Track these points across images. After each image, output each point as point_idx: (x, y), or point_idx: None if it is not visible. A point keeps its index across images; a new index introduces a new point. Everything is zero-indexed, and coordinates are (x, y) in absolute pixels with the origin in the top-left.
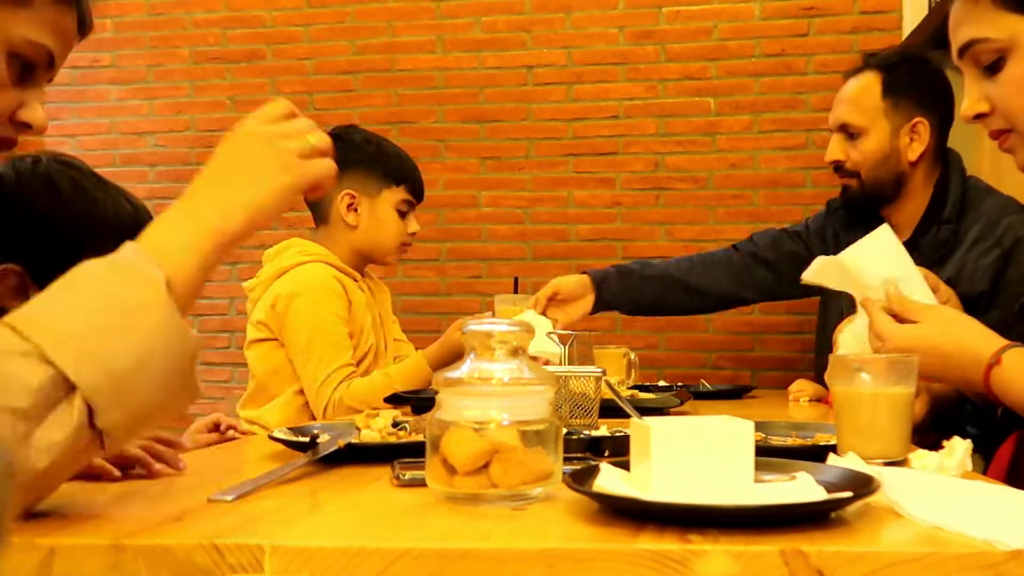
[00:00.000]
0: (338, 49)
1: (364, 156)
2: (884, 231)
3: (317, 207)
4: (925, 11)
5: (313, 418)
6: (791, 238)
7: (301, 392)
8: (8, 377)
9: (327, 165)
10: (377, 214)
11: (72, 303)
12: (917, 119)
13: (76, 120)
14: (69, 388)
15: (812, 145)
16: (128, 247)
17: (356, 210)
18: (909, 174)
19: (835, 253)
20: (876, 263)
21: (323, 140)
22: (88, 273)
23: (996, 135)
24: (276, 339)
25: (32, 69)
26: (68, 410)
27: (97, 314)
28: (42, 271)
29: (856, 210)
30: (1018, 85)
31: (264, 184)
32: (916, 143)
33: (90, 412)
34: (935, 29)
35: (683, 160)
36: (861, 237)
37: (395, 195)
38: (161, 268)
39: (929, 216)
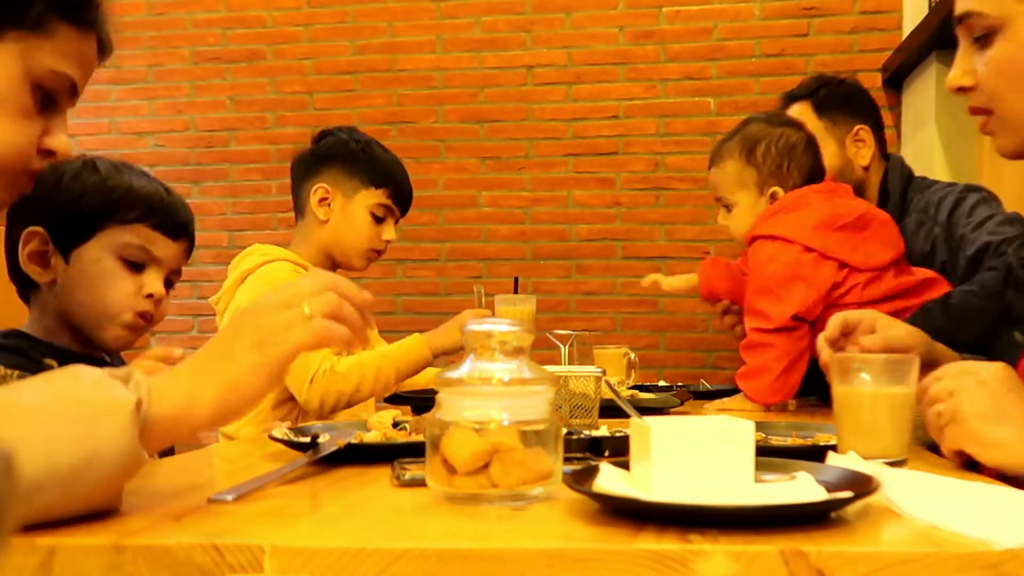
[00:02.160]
0: (338, 49)
1: (347, 153)
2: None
3: (297, 200)
4: (925, 11)
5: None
6: None
7: (279, 405)
8: None
9: (317, 329)
10: (349, 213)
11: (22, 393)
12: (857, 126)
13: (76, 120)
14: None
15: None
16: (121, 373)
17: (329, 205)
18: (866, 180)
19: None
20: None
21: (322, 306)
22: (56, 377)
23: (974, 111)
24: None
25: (55, 97)
26: None
27: (51, 406)
28: (65, 238)
29: None
30: (1000, 66)
31: (233, 362)
32: (864, 149)
33: None
34: (935, 29)
35: (683, 160)
36: None
37: (372, 198)
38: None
39: None
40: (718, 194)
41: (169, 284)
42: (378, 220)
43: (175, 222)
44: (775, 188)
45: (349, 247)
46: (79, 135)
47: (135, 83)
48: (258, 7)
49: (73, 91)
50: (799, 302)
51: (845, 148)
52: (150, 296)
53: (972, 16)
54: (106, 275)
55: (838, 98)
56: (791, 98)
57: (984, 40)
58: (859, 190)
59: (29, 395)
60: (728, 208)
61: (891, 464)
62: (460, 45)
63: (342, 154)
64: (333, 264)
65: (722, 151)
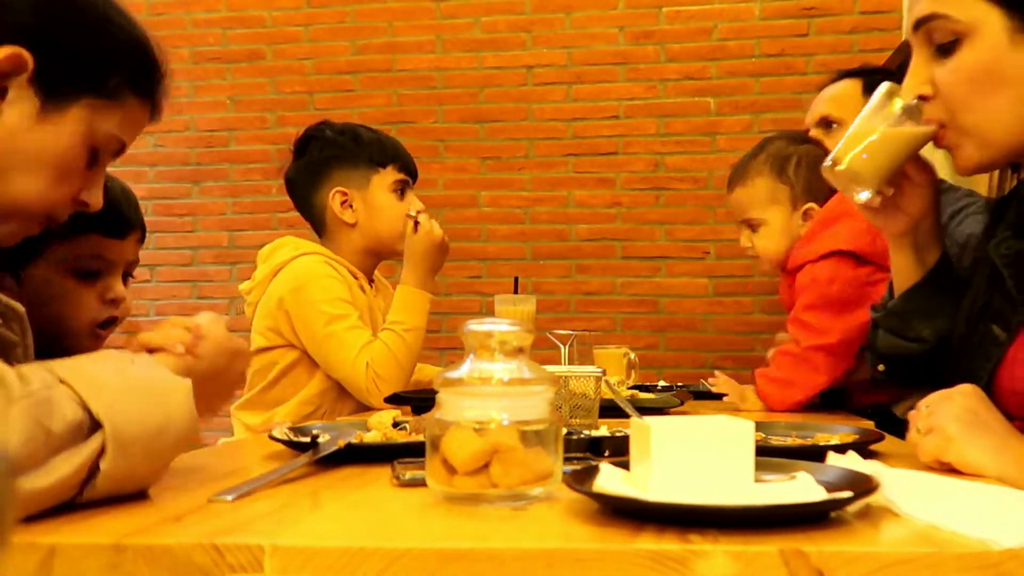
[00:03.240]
0: (338, 49)
1: (342, 150)
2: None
3: (313, 216)
4: None
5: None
6: None
7: (308, 401)
8: (50, 403)
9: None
10: (372, 203)
11: (106, 368)
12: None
13: None
14: (93, 430)
15: None
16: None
17: (351, 206)
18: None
19: None
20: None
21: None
22: (117, 355)
23: (938, 124)
24: (285, 345)
25: (101, 155)
26: (83, 448)
27: (131, 379)
28: (10, 261)
29: None
30: (967, 74)
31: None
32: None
33: (100, 455)
34: None
35: (683, 160)
36: None
37: (385, 178)
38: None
39: None
40: (746, 215)
41: (127, 276)
42: (400, 195)
43: (120, 221)
44: (810, 205)
45: (388, 235)
46: None
47: None
48: (258, 7)
49: (120, 152)
50: (859, 326)
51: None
52: (112, 301)
53: (937, 19)
54: (62, 295)
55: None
56: (843, 74)
57: (948, 47)
58: None
59: (98, 371)
60: (754, 228)
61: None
62: (460, 45)
63: (337, 153)
64: (377, 260)
65: (748, 170)
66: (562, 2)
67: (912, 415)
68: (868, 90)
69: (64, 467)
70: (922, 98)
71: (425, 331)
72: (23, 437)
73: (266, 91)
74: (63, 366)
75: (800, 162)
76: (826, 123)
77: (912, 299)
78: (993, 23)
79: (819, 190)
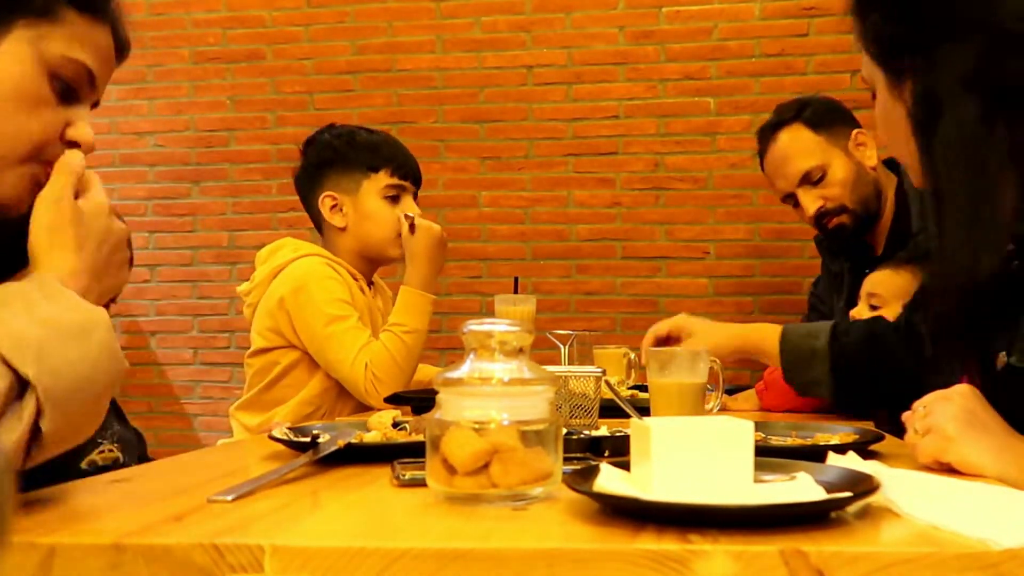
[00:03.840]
0: (338, 49)
1: (335, 154)
2: None
3: (312, 219)
4: None
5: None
6: (814, 311)
7: (308, 402)
8: None
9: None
10: (362, 208)
11: (19, 314)
12: (854, 130)
13: None
14: (23, 390)
15: None
16: (36, 279)
17: (341, 210)
18: (881, 181)
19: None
20: None
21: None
22: (24, 291)
23: None
24: (286, 346)
25: (75, 88)
26: (19, 412)
27: (49, 327)
28: None
29: (846, 242)
30: (879, 119)
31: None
32: (867, 149)
33: (36, 416)
34: None
35: (683, 160)
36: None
37: (376, 183)
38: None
39: (896, 226)
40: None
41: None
42: (394, 201)
43: None
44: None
45: (377, 241)
46: None
47: (135, 83)
48: (258, 7)
49: (92, 82)
50: None
51: (852, 155)
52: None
53: (863, 75)
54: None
55: (826, 110)
56: (776, 126)
57: (873, 96)
58: (877, 191)
59: (12, 319)
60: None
61: None
62: (460, 45)
63: (331, 157)
64: (372, 265)
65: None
66: (562, 2)
67: (908, 417)
68: (814, 127)
69: (10, 438)
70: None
71: (426, 333)
72: None
73: (266, 91)
74: None
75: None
76: (808, 179)
77: None
78: (881, 80)
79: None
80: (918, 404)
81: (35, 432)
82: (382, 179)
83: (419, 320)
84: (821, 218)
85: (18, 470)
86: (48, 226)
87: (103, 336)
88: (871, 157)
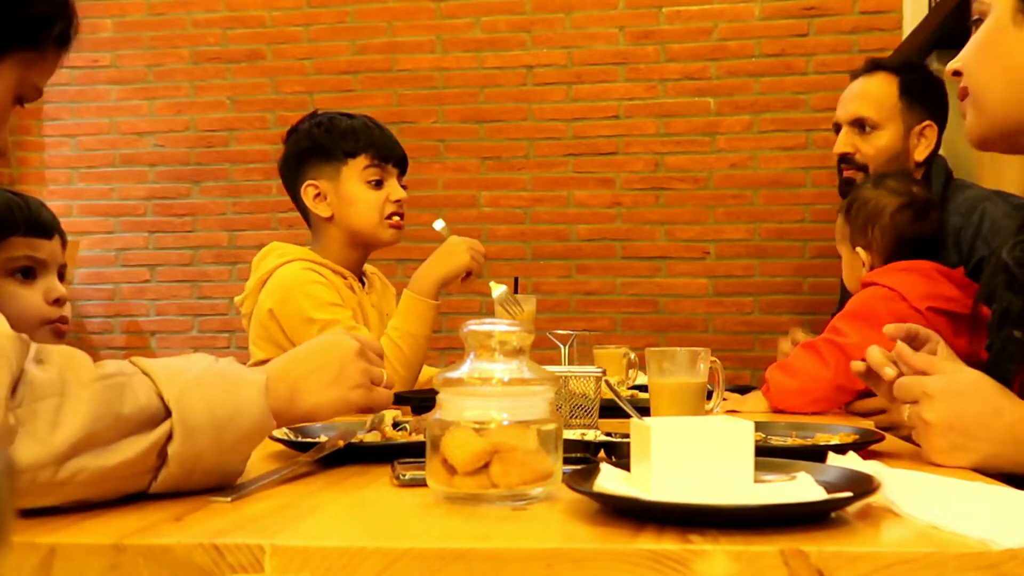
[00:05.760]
0: (338, 49)
1: (314, 142)
2: None
3: (298, 207)
4: (925, 11)
5: None
6: None
7: None
8: (122, 388)
9: (374, 399)
10: (344, 195)
11: (186, 363)
12: (927, 123)
13: (76, 120)
14: (164, 417)
15: (812, 145)
16: (230, 359)
17: (325, 199)
18: (914, 174)
19: None
20: None
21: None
22: (206, 356)
23: (961, 95)
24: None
25: (20, 102)
26: (151, 433)
27: (207, 373)
28: None
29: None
30: (976, 46)
31: (321, 392)
32: (924, 145)
33: (167, 441)
34: (935, 29)
35: (683, 160)
36: None
37: (355, 168)
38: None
39: None
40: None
41: (61, 278)
42: (377, 184)
43: (40, 222)
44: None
45: (364, 226)
46: (79, 135)
47: (135, 83)
48: (258, 7)
49: (36, 95)
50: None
51: (909, 136)
52: (57, 301)
53: (975, 1)
54: (7, 296)
55: (923, 87)
56: (878, 67)
57: (977, 23)
58: None
59: (178, 364)
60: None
61: None
62: (460, 45)
63: (310, 146)
64: (364, 251)
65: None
66: (562, 2)
67: (911, 383)
68: (905, 92)
69: (128, 449)
70: (956, 73)
71: (425, 338)
72: (90, 417)
73: (266, 91)
74: (149, 362)
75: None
76: (860, 124)
77: None
78: (1005, 3)
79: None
80: (927, 387)
81: (163, 457)
82: (361, 164)
83: (416, 324)
84: (841, 160)
85: (144, 490)
86: (307, 354)
87: (252, 392)
88: (922, 152)
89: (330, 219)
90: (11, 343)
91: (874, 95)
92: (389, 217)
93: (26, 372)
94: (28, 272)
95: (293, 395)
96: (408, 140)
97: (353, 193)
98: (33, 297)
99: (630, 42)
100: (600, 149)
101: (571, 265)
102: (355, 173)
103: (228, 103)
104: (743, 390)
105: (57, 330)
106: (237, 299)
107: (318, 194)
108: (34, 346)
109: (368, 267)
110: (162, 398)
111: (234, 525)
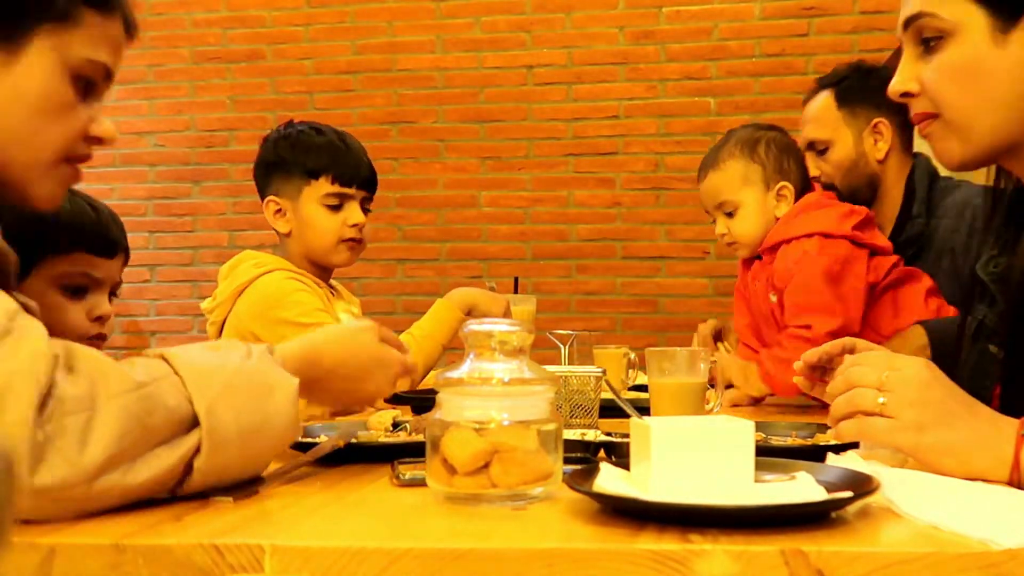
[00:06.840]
0: (338, 49)
1: (280, 157)
2: None
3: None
4: None
5: None
6: None
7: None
8: (152, 398)
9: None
10: (302, 215)
11: (218, 360)
12: (876, 120)
13: None
14: (192, 425)
15: None
16: (264, 349)
17: (285, 215)
18: (881, 174)
19: None
20: None
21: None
22: (233, 345)
23: (919, 119)
24: None
25: (93, 84)
26: (179, 445)
27: (240, 376)
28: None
29: None
30: (951, 72)
31: (346, 392)
32: (880, 142)
33: (195, 452)
34: None
35: (683, 160)
36: None
37: (316, 190)
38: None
39: (903, 215)
40: (720, 198)
41: (112, 296)
42: (336, 208)
43: (108, 240)
44: (783, 183)
45: (317, 248)
46: None
47: (135, 83)
48: (258, 7)
49: (108, 75)
50: (842, 312)
51: (861, 141)
52: (99, 318)
53: (924, 17)
54: (51, 310)
55: (861, 89)
56: (818, 87)
57: (933, 44)
58: (872, 184)
59: (210, 364)
60: (731, 214)
61: None
62: (460, 45)
63: (274, 160)
64: (321, 269)
65: (718, 156)
66: (562, 2)
67: (845, 371)
68: (842, 101)
69: (157, 464)
70: (907, 94)
71: (443, 346)
72: (119, 432)
73: (266, 91)
74: (182, 360)
75: (769, 143)
76: (814, 147)
77: None
78: (976, 22)
79: (790, 171)
80: (865, 361)
81: (189, 466)
82: (322, 186)
83: (441, 331)
84: (815, 181)
85: (168, 496)
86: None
87: (283, 400)
88: (880, 150)
89: (287, 235)
90: (42, 363)
91: (816, 115)
92: (341, 242)
93: (56, 385)
94: (80, 290)
95: (324, 386)
96: (408, 140)
97: (310, 214)
98: (77, 314)
99: (630, 42)
100: (600, 149)
101: (571, 265)
102: (315, 194)
103: (228, 103)
104: None
105: (92, 346)
106: (205, 305)
107: (279, 210)
108: (65, 352)
109: (336, 283)
110: (191, 402)
111: (234, 525)
